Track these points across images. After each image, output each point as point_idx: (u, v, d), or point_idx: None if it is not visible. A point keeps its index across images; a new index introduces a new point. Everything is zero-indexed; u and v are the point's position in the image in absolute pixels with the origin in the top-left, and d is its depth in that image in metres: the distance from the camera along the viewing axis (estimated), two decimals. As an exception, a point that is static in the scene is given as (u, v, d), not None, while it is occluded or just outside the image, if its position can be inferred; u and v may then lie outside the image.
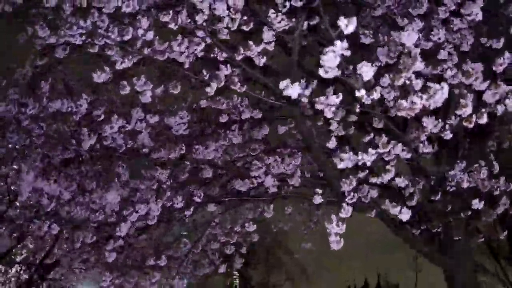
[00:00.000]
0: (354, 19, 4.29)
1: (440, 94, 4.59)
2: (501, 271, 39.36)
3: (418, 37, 6.10)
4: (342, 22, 4.25)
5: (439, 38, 6.16)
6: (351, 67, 4.82)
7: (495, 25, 7.11)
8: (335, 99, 4.91)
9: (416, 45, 6.16)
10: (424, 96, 4.58)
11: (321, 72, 4.54)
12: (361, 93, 4.68)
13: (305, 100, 4.87)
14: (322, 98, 4.93)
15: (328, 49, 4.35)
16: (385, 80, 5.08)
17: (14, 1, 5.65)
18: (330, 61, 4.40)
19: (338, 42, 4.36)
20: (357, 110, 4.93)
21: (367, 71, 4.53)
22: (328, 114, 5.13)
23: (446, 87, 4.59)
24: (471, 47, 6.53)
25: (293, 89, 4.79)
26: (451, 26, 6.17)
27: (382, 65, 5.86)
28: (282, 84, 4.84)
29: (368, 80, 4.68)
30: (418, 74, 6.39)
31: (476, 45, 6.64)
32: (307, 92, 4.82)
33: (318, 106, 5.07)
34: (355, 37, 6.89)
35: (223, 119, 7.37)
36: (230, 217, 9.26)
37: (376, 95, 4.68)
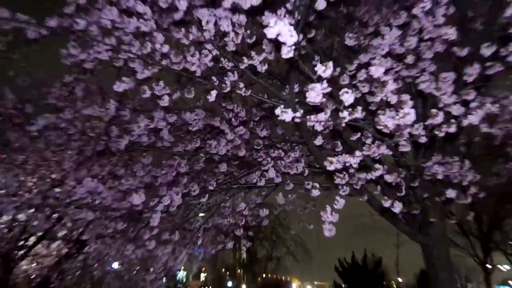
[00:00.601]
0: (331, 64, 4.34)
1: (408, 117, 4.68)
2: (469, 246, 40.68)
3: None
4: (319, 68, 4.30)
5: (411, 45, 6.16)
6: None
7: (466, 37, 7.14)
8: (324, 116, 4.95)
9: (392, 50, 6.24)
10: (397, 117, 4.64)
11: (307, 100, 4.60)
12: (344, 114, 4.74)
13: (298, 120, 4.93)
14: (312, 117, 4.98)
15: (311, 87, 4.41)
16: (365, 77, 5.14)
17: (50, 25, 5.67)
18: (313, 98, 4.48)
19: (317, 85, 4.43)
20: (343, 124, 4.95)
21: (347, 98, 4.60)
22: (318, 128, 5.15)
23: (413, 112, 4.65)
24: (444, 56, 6.58)
25: (286, 115, 4.86)
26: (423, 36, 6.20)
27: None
28: (277, 111, 4.91)
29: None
30: (398, 77, 6.46)
31: (449, 55, 6.67)
32: (299, 114, 4.88)
33: (309, 123, 5.10)
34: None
35: (223, 126, 7.43)
36: (239, 201, 9.27)
37: (357, 115, 4.73)
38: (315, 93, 4.49)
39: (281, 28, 4.04)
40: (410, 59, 6.37)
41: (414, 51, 6.40)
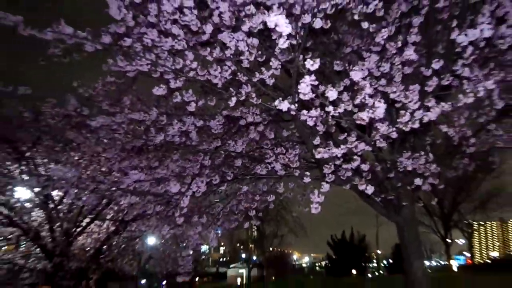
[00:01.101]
0: (318, 60, 4.43)
1: (379, 110, 4.86)
2: (434, 225, 42.03)
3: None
4: (308, 63, 4.38)
5: (385, 69, 6.30)
6: (322, 88, 4.98)
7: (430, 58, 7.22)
8: (315, 113, 4.98)
9: (371, 73, 6.30)
10: (371, 111, 4.73)
11: (301, 95, 4.67)
12: (329, 108, 4.80)
13: (293, 112, 5.00)
14: (305, 112, 5.02)
15: (301, 81, 4.51)
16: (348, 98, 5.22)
17: (104, 42, 5.74)
18: (304, 89, 4.54)
19: (307, 77, 4.50)
20: (330, 119, 5.01)
21: (332, 94, 4.69)
22: (310, 123, 5.20)
23: (382, 105, 4.87)
24: (413, 72, 6.65)
25: (283, 105, 4.93)
26: (393, 62, 6.25)
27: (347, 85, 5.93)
28: (276, 102, 5.10)
29: (334, 99, 4.82)
30: (376, 92, 6.48)
31: (417, 73, 6.76)
32: (293, 107, 4.94)
33: (302, 118, 5.13)
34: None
35: (242, 122, 7.43)
36: (251, 189, 9.30)
37: (340, 110, 4.82)
38: (305, 84, 4.57)
39: (278, 19, 4.15)
40: (383, 81, 6.42)
41: (388, 74, 6.44)
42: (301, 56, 5.71)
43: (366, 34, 7.86)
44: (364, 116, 4.90)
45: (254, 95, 5.99)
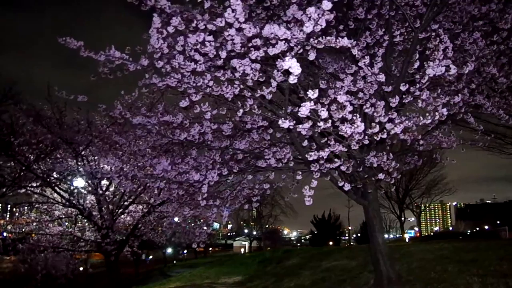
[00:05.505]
0: (316, 90, 4.41)
1: (360, 128, 4.84)
2: (391, 207, 43.05)
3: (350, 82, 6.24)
4: (309, 93, 4.41)
5: (360, 85, 6.25)
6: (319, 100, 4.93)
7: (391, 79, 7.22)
8: (306, 125, 4.95)
9: (348, 91, 6.24)
10: (352, 126, 4.73)
11: (299, 114, 4.63)
12: (320, 124, 4.76)
13: (291, 127, 4.97)
14: (299, 126, 4.99)
15: (303, 105, 4.51)
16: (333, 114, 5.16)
17: (142, 64, 5.73)
18: (304, 111, 4.54)
19: (308, 103, 4.53)
20: (319, 130, 4.97)
21: (323, 114, 4.64)
22: (303, 132, 5.16)
23: (362, 124, 4.84)
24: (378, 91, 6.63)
25: (285, 124, 4.90)
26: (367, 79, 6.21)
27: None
28: (279, 122, 5.07)
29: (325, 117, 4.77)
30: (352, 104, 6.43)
31: (381, 91, 6.75)
32: (292, 124, 4.88)
33: (298, 129, 5.08)
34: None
35: (247, 126, 7.38)
36: (252, 179, 9.23)
37: (328, 125, 4.78)
38: (306, 108, 4.53)
39: (292, 63, 4.22)
40: (361, 95, 6.39)
41: (361, 90, 6.40)
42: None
43: (342, 59, 7.89)
44: (348, 131, 4.87)
45: (255, 107, 5.94)
